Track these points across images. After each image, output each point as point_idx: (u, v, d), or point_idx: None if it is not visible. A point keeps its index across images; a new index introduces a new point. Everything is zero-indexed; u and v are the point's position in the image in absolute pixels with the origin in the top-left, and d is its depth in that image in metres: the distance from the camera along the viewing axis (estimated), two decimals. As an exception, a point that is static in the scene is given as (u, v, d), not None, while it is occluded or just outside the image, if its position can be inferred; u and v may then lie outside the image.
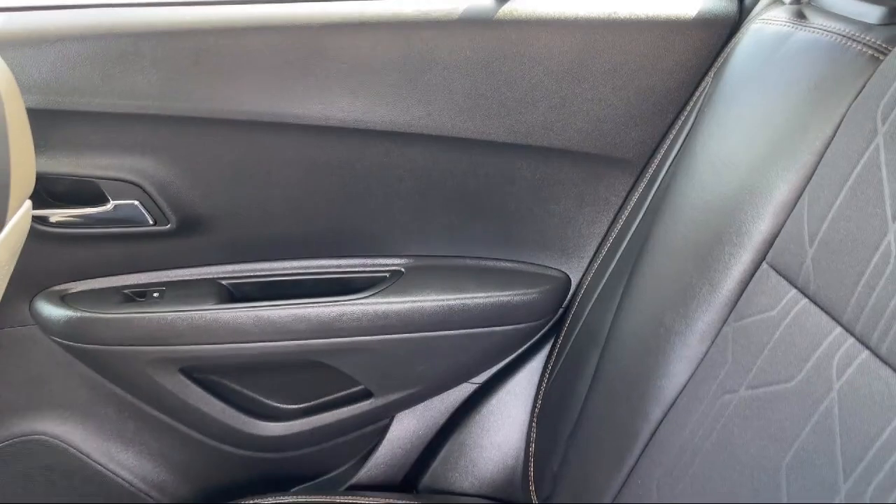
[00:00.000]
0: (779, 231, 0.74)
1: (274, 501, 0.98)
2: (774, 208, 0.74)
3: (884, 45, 0.69)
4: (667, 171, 0.95)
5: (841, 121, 0.70)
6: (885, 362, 0.59)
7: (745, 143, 0.81)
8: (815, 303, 0.67)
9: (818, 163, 0.71)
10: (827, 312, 0.66)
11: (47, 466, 1.08)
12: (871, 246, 0.63)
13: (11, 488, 1.09)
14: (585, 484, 0.90)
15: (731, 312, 0.77)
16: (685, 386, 0.79)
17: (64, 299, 1.00)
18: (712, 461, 0.74)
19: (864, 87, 0.69)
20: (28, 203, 0.70)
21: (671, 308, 0.82)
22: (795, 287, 0.70)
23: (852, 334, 0.63)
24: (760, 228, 0.75)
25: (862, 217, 0.65)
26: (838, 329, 0.65)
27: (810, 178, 0.72)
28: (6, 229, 0.61)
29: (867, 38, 0.71)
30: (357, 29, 0.91)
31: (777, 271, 0.73)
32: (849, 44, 0.72)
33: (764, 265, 0.75)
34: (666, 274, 0.86)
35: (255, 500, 0.97)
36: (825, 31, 0.76)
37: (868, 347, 0.61)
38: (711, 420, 0.75)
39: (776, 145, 0.76)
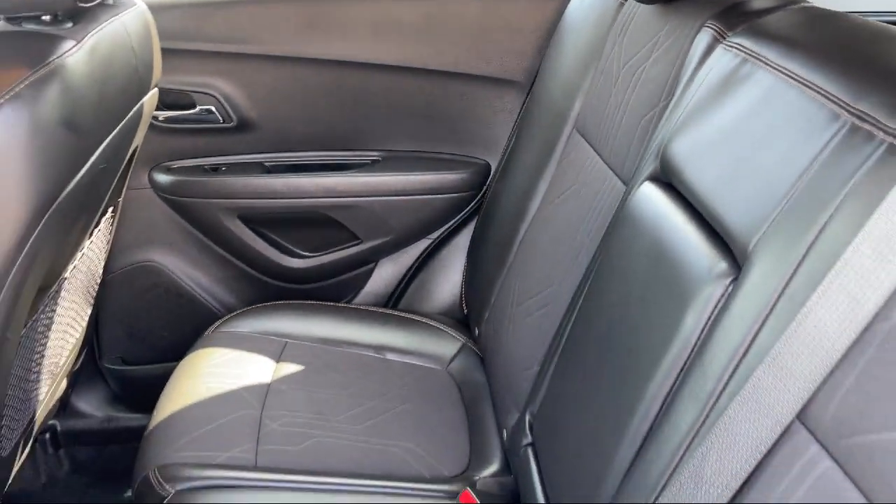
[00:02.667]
0: (581, 108, 1.26)
1: (301, 301, 1.52)
2: (582, 95, 1.26)
3: (624, -4, 1.22)
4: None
5: (605, 42, 1.22)
6: (611, 168, 1.11)
7: (567, 61, 1.34)
8: (591, 146, 1.20)
9: (597, 64, 1.23)
10: (595, 150, 1.18)
11: (154, 284, 1.62)
12: (608, 103, 1.16)
13: (133, 300, 1.63)
14: (483, 289, 1.39)
15: (557, 163, 1.29)
16: (537, 209, 1.31)
17: (169, 170, 1.56)
18: (542, 253, 1.25)
19: (614, 21, 1.21)
20: (156, 89, 1.26)
21: (531, 167, 1.35)
22: (586, 140, 1.23)
23: (601, 157, 1.15)
24: (575, 109, 1.27)
25: (607, 89, 1.18)
26: (598, 158, 1.17)
27: (594, 72, 1.24)
28: (150, 93, 1.17)
29: (617, -8, 1.24)
30: (346, 2, 1.47)
31: (580, 133, 1.25)
32: (608, -2, 1.25)
33: (574, 131, 1.27)
34: (528, 148, 1.39)
35: (283, 301, 1.52)
36: (600, -8, 1.29)
37: (606, 163, 1.13)
38: (543, 224, 1.27)
39: (581, 59, 1.29)
